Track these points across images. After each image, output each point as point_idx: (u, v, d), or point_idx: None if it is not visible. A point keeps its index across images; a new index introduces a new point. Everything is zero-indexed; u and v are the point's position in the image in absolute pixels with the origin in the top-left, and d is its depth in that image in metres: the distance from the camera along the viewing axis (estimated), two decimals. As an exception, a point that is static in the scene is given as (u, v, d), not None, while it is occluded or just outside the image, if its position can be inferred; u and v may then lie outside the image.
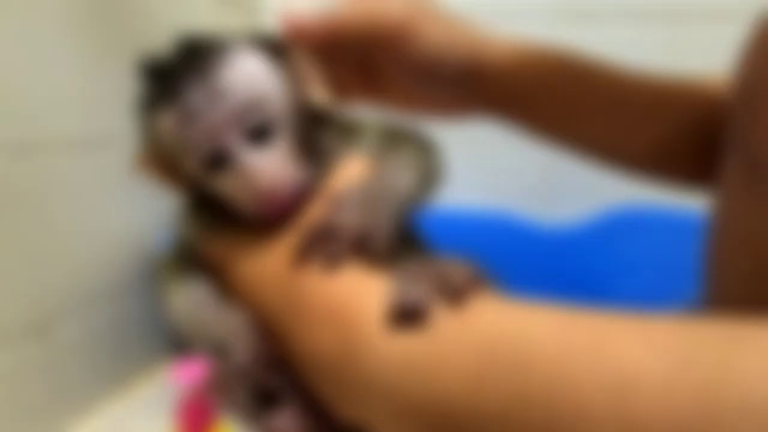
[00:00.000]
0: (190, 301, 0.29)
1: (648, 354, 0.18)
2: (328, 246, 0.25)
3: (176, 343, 0.85)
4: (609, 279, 0.85)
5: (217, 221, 0.30)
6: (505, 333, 0.21)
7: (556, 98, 0.40)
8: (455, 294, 0.22)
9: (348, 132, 0.31)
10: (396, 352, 0.22)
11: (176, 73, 0.26)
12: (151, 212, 0.77)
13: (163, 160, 0.29)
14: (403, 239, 0.28)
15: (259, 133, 0.26)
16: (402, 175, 0.28)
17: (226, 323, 0.27)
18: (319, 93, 0.31)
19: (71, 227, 0.64)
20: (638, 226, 0.86)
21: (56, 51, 0.60)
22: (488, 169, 0.96)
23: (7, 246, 0.56)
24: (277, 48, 0.29)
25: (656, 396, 0.17)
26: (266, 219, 0.28)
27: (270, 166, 0.26)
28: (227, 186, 0.27)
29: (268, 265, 0.28)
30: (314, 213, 0.27)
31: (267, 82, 0.27)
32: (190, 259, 0.31)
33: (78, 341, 0.66)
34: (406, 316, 0.22)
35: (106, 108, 0.67)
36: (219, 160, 0.27)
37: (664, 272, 0.77)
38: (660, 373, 0.17)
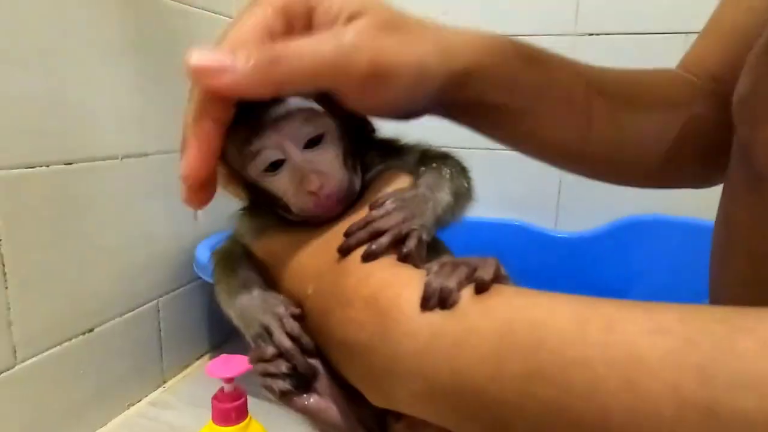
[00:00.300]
0: (239, 288, 0.33)
1: (655, 333, 0.19)
2: (370, 241, 0.28)
3: (213, 341, 0.89)
4: (620, 279, 0.86)
5: (268, 223, 0.34)
6: (523, 314, 0.22)
7: (531, 90, 0.37)
8: (483, 281, 0.24)
9: (392, 151, 0.35)
10: (424, 332, 0.23)
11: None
12: (190, 220, 0.81)
13: (227, 167, 0.32)
14: (432, 249, 0.30)
15: (314, 143, 0.30)
16: (439, 189, 0.31)
17: (270, 309, 0.30)
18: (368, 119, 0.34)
19: (117, 235, 0.68)
20: (648, 230, 0.87)
21: (106, 77, 0.65)
22: (504, 188, 0.97)
23: (60, 252, 0.60)
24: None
25: (661, 371, 0.18)
26: (314, 216, 0.31)
27: (318, 164, 0.30)
28: (281, 185, 0.31)
29: (310, 261, 0.30)
30: (357, 217, 0.29)
31: (324, 105, 0.31)
32: (242, 253, 0.35)
33: (121, 339, 0.70)
34: (436, 299, 0.24)
35: (148, 126, 0.72)
36: (277, 165, 0.30)
37: (673, 274, 0.77)
38: (665, 350, 0.18)
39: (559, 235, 0.94)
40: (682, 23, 0.86)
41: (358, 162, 0.33)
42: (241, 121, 0.30)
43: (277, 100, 0.30)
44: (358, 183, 0.32)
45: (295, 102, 0.30)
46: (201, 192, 0.29)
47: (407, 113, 0.34)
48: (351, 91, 0.29)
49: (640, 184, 0.45)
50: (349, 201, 0.31)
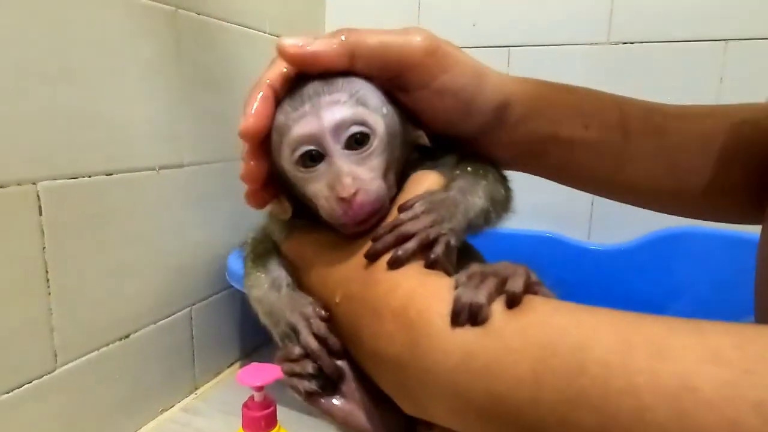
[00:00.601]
0: (268, 285, 0.32)
1: (709, 361, 0.18)
2: (397, 246, 0.27)
3: (244, 349, 0.90)
4: (657, 294, 0.84)
5: (298, 223, 0.33)
6: (562, 332, 0.21)
7: (591, 127, 0.37)
8: (514, 294, 0.23)
9: (430, 158, 0.33)
10: (457, 350, 0.23)
11: (307, 76, 0.30)
12: (223, 230, 0.82)
13: (273, 172, 0.32)
14: (463, 253, 0.30)
15: (358, 144, 0.29)
16: (473, 193, 0.30)
17: (297, 309, 0.30)
18: (418, 134, 0.33)
19: (153, 243, 0.70)
20: (686, 243, 0.84)
21: (144, 91, 0.67)
22: (537, 199, 0.96)
23: (99, 260, 0.62)
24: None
25: (716, 404, 0.17)
26: (342, 226, 0.29)
27: (357, 168, 0.28)
28: (315, 186, 0.29)
29: (338, 266, 0.30)
30: (386, 219, 0.29)
31: (375, 103, 0.30)
32: (273, 249, 0.34)
33: (156, 345, 0.72)
34: (467, 315, 0.23)
35: (183, 138, 0.74)
36: (314, 159, 0.29)
37: (713, 289, 0.74)
38: (721, 381, 0.17)
39: (592, 248, 0.92)
40: (721, 30, 0.82)
41: (397, 177, 0.31)
42: (294, 91, 0.29)
43: (331, 90, 0.29)
44: (390, 196, 0.30)
45: (348, 95, 0.29)
46: (255, 152, 0.31)
47: (469, 127, 0.33)
48: (415, 71, 0.30)
49: (684, 211, 0.43)
50: (380, 218, 0.29)
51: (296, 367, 0.29)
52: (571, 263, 0.90)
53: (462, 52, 0.32)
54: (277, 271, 0.33)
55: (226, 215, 0.82)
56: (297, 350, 0.29)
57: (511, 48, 0.95)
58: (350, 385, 0.29)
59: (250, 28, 0.86)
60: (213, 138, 0.78)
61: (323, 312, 0.29)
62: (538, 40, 0.94)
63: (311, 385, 0.28)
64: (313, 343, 0.29)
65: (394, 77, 0.31)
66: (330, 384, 0.29)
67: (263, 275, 0.33)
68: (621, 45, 0.90)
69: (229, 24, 0.81)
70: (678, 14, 0.86)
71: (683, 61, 0.86)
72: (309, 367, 0.28)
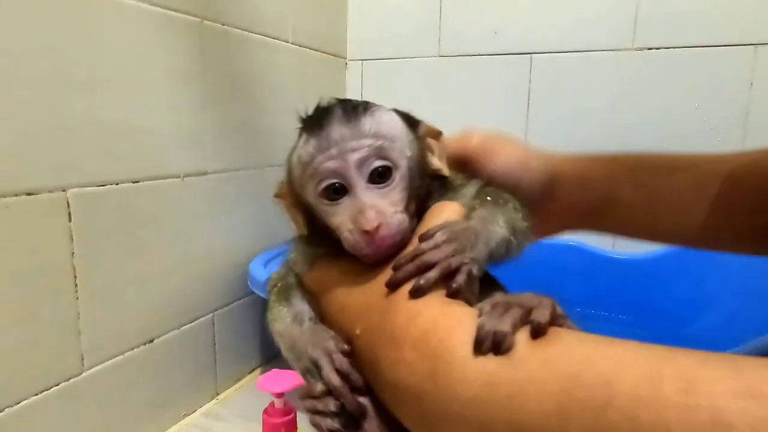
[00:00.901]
0: (290, 319, 0.32)
1: (744, 396, 0.17)
2: (418, 275, 0.27)
3: (265, 355, 0.91)
4: (684, 305, 0.81)
5: (320, 253, 0.34)
6: (588, 363, 0.21)
7: (637, 190, 0.41)
8: (539, 324, 0.23)
9: (452, 188, 0.34)
10: (479, 379, 0.22)
11: (329, 112, 0.31)
12: (245, 237, 0.83)
13: (292, 191, 0.33)
14: (484, 285, 0.29)
15: (381, 178, 0.29)
16: (493, 222, 0.30)
17: (320, 344, 0.30)
18: (438, 164, 0.34)
19: (177, 249, 0.72)
20: (713, 252, 0.82)
21: (169, 101, 0.68)
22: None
23: (126, 266, 0.64)
24: (411, 119, 0.33)
25: None
26: (364, 257, 0.30)
27: (381, 205, 0.29)
28: (339, 217, 0.30)
29: (359, 296, 0.30)
30: (408, 250, 0.29)
31: (398, 138, 0.31)
32: (296, 283, 0.35)
33: (179, 350, 0.73)
34: (491, 343, 0.23)
35: (207, 147, 0.75)
36: (338, 192, 0.30)
37: (742, 301, 0.72)
38: (757, 418, 0.17)
39: (617, 257, 0.90)
40: (751, 34, 0.80)
41: (418, 207, 0.32)
42: (316, 129, 0.30)
43: (356, 124, 0.29)
44: (411, 227, 0.31)
45: (372, 130, 0.30)
46: None
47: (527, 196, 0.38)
48: (473, 162, 0.39)
49: (684, 240, 0.44)
50: (402, 247, 0.30)
51: (319, 405, 0.29)
52: (595, 272, 0.89)
53: (512, 143, 0.41)
54: (300, 305, 0.34)
55: (249, 223, 0.83)
56: (319, 387, 0.29)
57: (533, 55, 0.95)
58: (372, 423, 0.29)
59: (273, 38, 0.88)
60: (237, 146, 0.80)
61: (345, 346, 0.29)
62: (561, 46, 0.93)
63: (334, 423, 0.28)
64: (336, 379, 0.29)
65: (464, 166, 0.38)
66: (352, 422, 0.29)
67: (286, 309, 0.34)
68: (646, 51, 0.88)
69: (253, 34, 0.83)
70: (705, 18, 0.84)
71: (711, 66, 0.84)
72: (331, 404, 0.28)
